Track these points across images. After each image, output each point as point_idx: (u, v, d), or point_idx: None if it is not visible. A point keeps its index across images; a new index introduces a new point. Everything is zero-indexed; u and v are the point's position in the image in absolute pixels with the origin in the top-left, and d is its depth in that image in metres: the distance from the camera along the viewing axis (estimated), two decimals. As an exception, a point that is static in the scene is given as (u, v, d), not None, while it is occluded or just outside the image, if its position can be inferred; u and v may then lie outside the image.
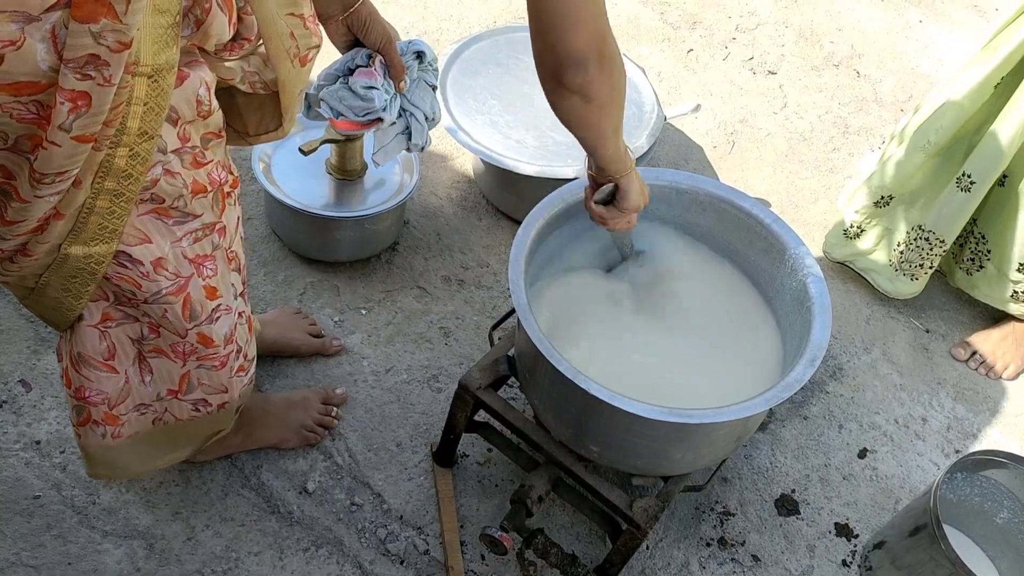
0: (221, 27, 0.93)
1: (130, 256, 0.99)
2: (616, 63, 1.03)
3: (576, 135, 1.12)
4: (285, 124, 1.13)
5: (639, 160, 1.84)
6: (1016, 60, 1.55)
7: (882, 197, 1.79)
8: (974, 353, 1.83)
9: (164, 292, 1.05)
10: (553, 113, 1.08)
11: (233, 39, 0.98)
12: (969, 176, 1.64)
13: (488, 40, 2.01)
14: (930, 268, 1.79)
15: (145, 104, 0.87)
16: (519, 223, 1.31)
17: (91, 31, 0.77)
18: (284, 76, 1.04)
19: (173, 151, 0.95)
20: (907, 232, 1.78)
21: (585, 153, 1.20)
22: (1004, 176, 1.67)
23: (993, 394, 1.81)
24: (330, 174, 1.70)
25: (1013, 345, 1.82)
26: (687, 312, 1.39)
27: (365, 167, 1.72)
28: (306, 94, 1.26)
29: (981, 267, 1.79)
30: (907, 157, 1.72)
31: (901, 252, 1.79)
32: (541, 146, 1.79)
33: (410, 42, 1.26)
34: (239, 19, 0.97)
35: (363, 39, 1.19)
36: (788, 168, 2.18)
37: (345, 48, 1.21)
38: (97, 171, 0.89)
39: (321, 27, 1.08)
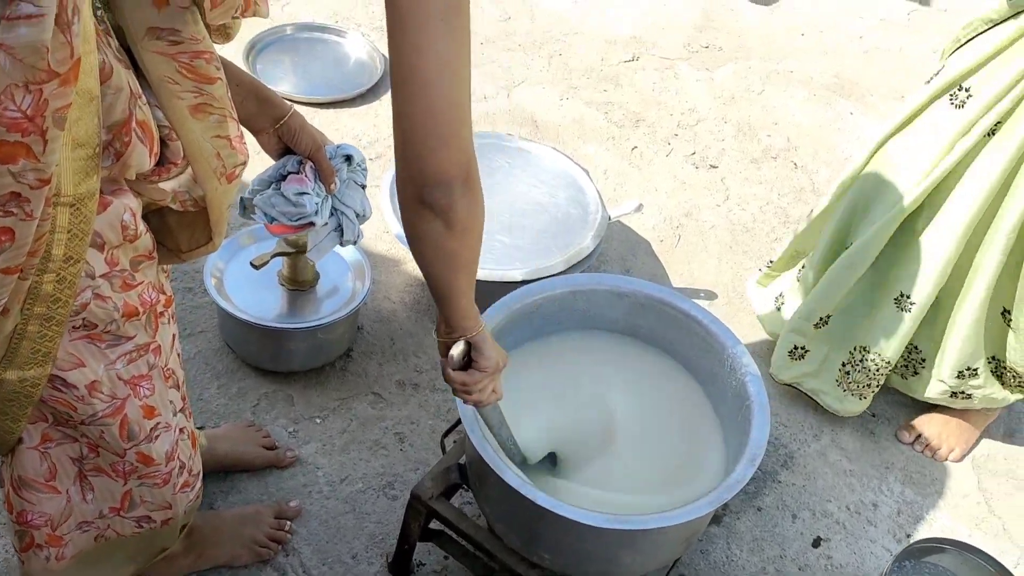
0: (141, 158, 0.96)
1: (64, 380, 1.01)
2: (479, 191, 1.01)
3: (430, 272, 1.06)
4: (215, 239, 1.15)
5: (584, 261, 1.89)
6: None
7: (820, 319, 1.79)
8: (919, 436, 1.87)
9: (100, 414, 1.06)
10: (407, 245, 1.05)
11: (160, 163, 1.01)
12: (908, 297, 1.66)
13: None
14: (877, 386, 1.80)
15: (69, 231, 0.89)
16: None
17: (11, 171, 0.80)
18: (212, 194, 1.07)
19: (102, 276, 0.98)
20: (850, 353, 1.79)
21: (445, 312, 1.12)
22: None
23: (940, 476, 1.85)
24: (283, 285, 1.73)
25: (956, 428, 1.86)
26: (632, 414, 1.42)
27: (317, 277, 1.75)
28: (241, 197, 1.32)
29: (916, 373, 1.82)
30: (837, 276, 1.73)
31: (847, 373, 1.80)
32: (488, 248, 1.84)
33: (339, 146, 1.32)
34: (164, 144, 1.00)
35: (294, 147, 1.26)
36: (733, 259, 2.25)
37: (277, 155, 1.28)
38: (25, 298, 0.91)
39: (247, 144, 1.12)
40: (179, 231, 1.14)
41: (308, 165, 1.27)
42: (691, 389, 1.48)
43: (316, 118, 2.38)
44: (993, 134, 1.53)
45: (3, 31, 0.77)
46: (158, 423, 1.14)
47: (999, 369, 1.74)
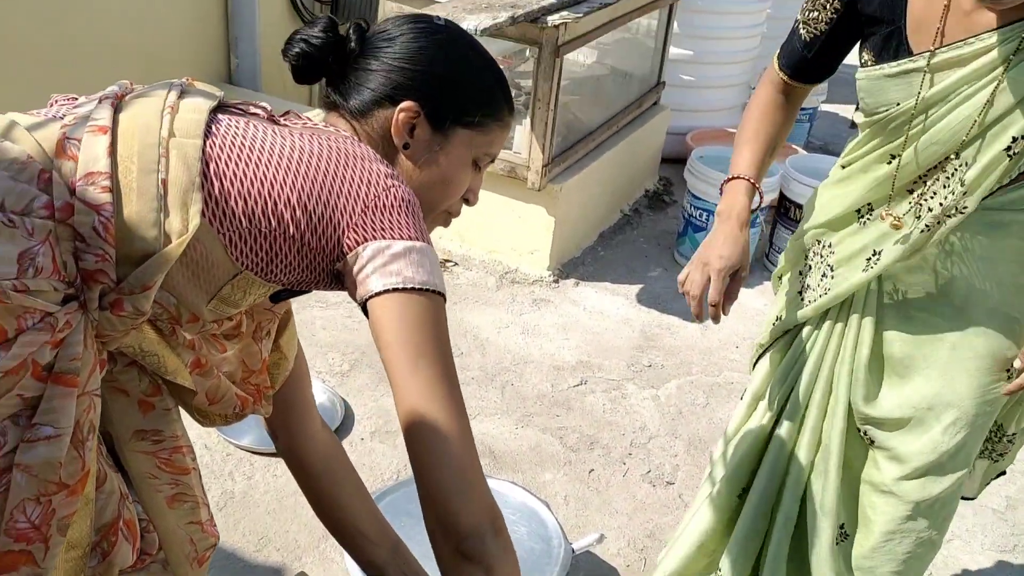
0: (125, 556, 0.99)
1: None
2: (506, 532, 1.04)
3: None
4: None
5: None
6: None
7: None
8: None
9: None
10: None
11: (137, 556, 1.04)
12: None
13: (399, 492, 2.13)
14: None
15: None
16: None
17: None
18: None
19: None
20: None
21: None
22: (842, 526, 1.66)
23: None
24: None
25: None
26: None
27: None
28: None
29: None
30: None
31: None
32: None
33: None
34: (142, 536, 1.04)
35: None
36: None
37: None
38: None
39: (216, 526, 1.15)
40: None
41: None
42: None
43: (279, 468, 2.43)
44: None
45: (22, 453, 0.84)
46: None
47: None
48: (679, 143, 4.39)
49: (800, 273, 1.66)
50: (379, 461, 2.51)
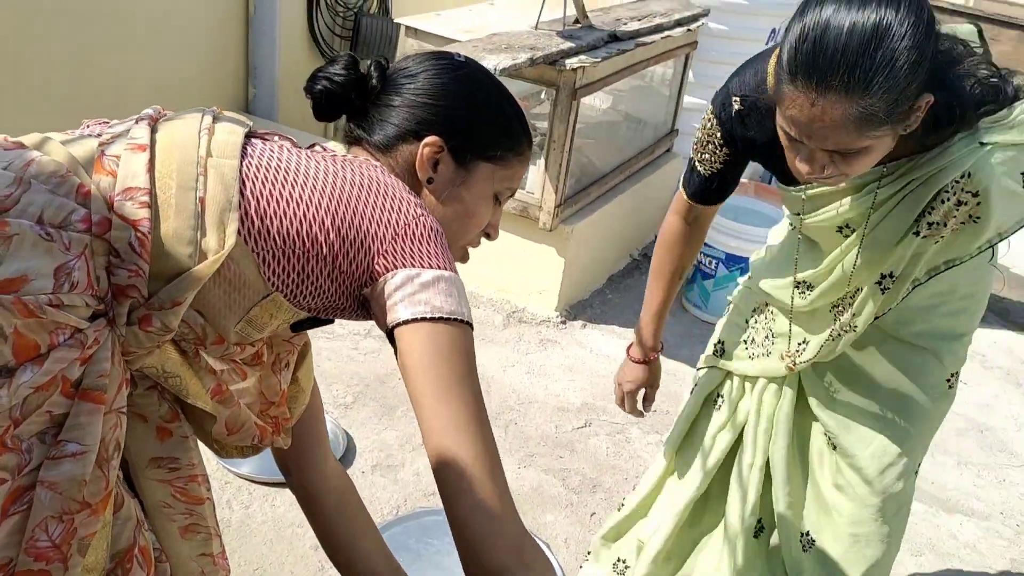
0: None
1: None
2: (539, 563, 1.00)
3: None
4: None
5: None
6: None
7: None
8: None
9: None
10: None
11: None
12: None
13: (399, 527, 2.10)
14: None
15: None
16: None
17: None
18: None
19: None
20: None
21: None
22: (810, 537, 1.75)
23: None
24: None
25: None
26: None
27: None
28: None
29: None
30: None
31: None
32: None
33: None
34: (155, 567, 1.02)
35: None
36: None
37: None
38: None
39: (227, 559, 1.14)
40: None
41: None
42: None
43: (278, 498, 2.40)
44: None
45: (47, 469, 0.83)
46: None
47: None
48: (690, 191, 4.40)
49: (746, 321, 1.80)
50: (379, 495, 2.48)
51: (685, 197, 1.69)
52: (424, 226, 0.99)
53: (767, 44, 4.37)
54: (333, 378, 2.96)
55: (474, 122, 1.11)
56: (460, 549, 0.98)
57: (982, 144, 1.28)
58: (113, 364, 0.88)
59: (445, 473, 0.94)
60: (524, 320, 3.52)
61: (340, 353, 3.10)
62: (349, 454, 2.63)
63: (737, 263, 3.53)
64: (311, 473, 1.33)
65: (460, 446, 0.93)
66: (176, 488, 1.01)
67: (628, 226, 3.95)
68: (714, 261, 3.58)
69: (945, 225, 1.38)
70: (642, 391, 1.91)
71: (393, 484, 2.53)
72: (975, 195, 1.31)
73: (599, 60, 3.14)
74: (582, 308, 3.66)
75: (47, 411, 0.84)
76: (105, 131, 0.95)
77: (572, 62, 3.06)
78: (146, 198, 0.89)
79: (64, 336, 0.84)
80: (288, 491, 2.46)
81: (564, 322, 3.54)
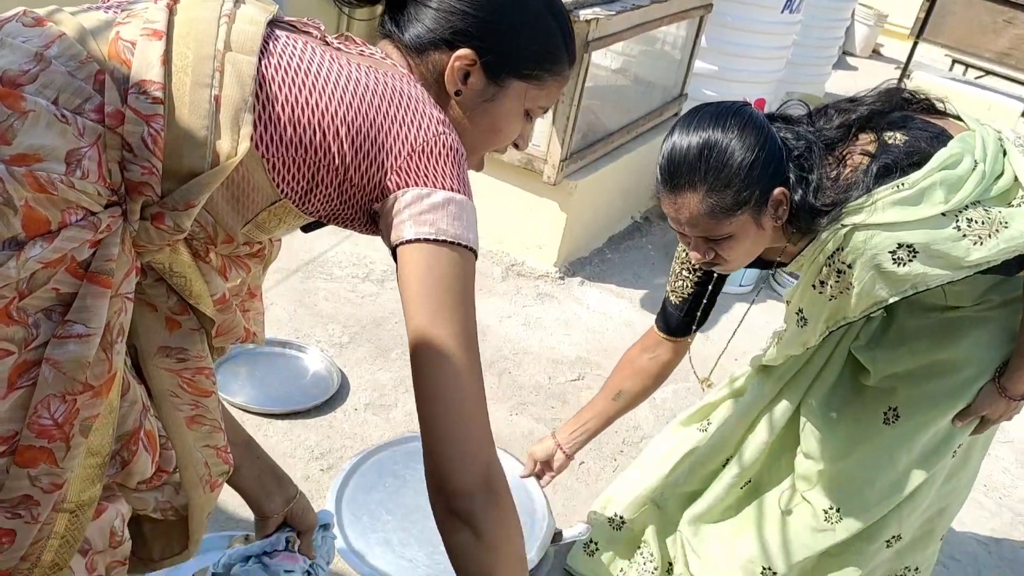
0: (144, 466, 0.98)
1: None
2: (504, 498, 0.99)
3: None
4: (191, 547, 1.14)
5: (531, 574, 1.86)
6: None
7: None
8: None
9: None
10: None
11: (155, 471, 1.03)
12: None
13: (385, 452, 2.12)
14: None
15: (62, 538, 0.89)
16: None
17: (29, 474, 0.82)
18: (195, 502, 1.08)
19: None
20: None
21: None
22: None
23: None
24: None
25: None
26: None
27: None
28: (212, 573, 1.32)
29: None
30: None
31: None
32: (432, 563, 1.81)
33: (319, 514, 1.40)
34: (160, 453, 1.03)
35: (300, 526, 1.33)
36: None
37: (268, 531, 1.33)
38: None
39: (231, 454, 1.14)
40: (153, 540, 1.13)
41: (296, 543, 1.33)
42: None
43: (270, 428, 2.42)
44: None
45: (52, 348, 0.83)
46: None
47: None
48: (696, 157, 4.38)
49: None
50: (371, 432, 2.50)
51: (656, 330, 1.89)
52: (443, 144, 0.97)
53: (782, 13, 4.33)
54: (330, 318, 2.96)
55: (513, 39, 1.06)
56: (427, 469, 0.96)
57: (843, 226, 1.45)
58: (122, 250, 0.88)
59: (425, 392, 0.94)
60: (523, 274, 3.52)
61: (338, 295, 3.10)
62: (343, 392, 2.65)
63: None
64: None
65: (444, 368, 0.93)
66: (184, 379, 1.01)
67: (632, 187, 3.94)
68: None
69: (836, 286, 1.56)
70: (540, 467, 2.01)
71: (385, 423, 2.55)
72: (850, 266, 1.49)
73: (613, 14, 3.12)
74: (581, 265, 3.67)
75: (54, 287, 0.84)
76: (125, 7, 0.92)
77: (586, 13, 3.04)
78: (159, 93, 0.86)
79: (77, 216, 0.84)
80: (280, 422, 2.49)
81: (562, 278, 3.54)
